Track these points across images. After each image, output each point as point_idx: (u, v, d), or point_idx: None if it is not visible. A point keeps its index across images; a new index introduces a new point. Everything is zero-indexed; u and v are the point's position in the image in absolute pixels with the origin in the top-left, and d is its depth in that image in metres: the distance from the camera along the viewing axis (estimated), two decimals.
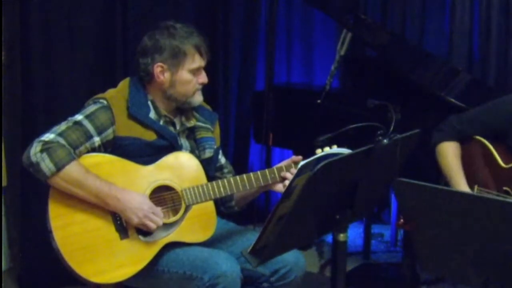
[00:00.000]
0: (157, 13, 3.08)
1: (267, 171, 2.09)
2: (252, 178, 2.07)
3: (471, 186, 2.33)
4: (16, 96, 2.82)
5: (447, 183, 2.35)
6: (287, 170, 2.10)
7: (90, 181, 1.92)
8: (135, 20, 3.00)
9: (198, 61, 2.08)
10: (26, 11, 2.72)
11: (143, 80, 2.11)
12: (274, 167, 2.11)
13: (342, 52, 3.09)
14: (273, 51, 3.20)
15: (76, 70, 2.89)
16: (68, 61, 2.86)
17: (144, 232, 1.99)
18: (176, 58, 2.05)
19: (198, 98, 2.13)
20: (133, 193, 1.97)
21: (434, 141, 2.42)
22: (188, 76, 2.07)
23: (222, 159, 2.28)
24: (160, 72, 2.07)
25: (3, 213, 2.94)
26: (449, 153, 2.37)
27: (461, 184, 2.31)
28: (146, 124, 2.06)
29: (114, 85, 2.15)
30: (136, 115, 2.04)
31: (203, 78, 2.11)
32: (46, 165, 1.89)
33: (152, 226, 1.96)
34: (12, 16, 2.76)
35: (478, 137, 2.37)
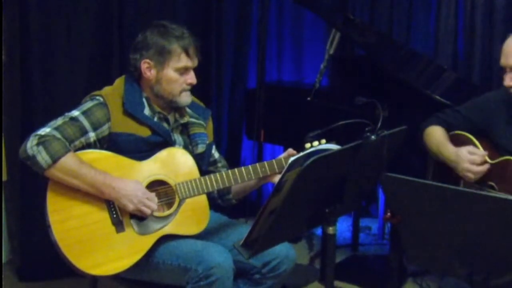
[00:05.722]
0: (152, 13, 3.10)
1: (258, 165, 2.10)
2: (244, 172, 2.09)
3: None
4: (16, 93, 2.84)
5: (435, 176, 2.39)
6: (286, 162, 2.09)
7: (85, 171, 1.94)
8: (130, 20, 3.02)
9: (184, 61, 2.09)
10: (26, 11, 2.73)
11: (135, 76, 2.14)
12: (269, 161, 2.12)
13: (331, 51, 3.10)
14: (265, 50, 3.19)
15: (74, 69, 2.91)
16: (66, 60, 2.88)
17: (139, 223, 2.01)
18: (162, 56, 2.07)
19: (186, 99, 2.13)
20: (127, 181, 1.99)
21: (421, 130, 2.44)
22: (173, 74, 2.09)
23: (216, 154, 2.31)
24: (147, 68, 2.09)
25: (3, 207, 2.96)
26: (436, 132, 2.40)
27: (448, 148, 2.32)
28: (141, 120, 2.08)
29: (110, 83, 2.17)
30: (131, 111, 2.07)
31: (191, 78, 2.12)
32: (43, 157, 1.92)
33: (147, 211, 1.98)
34: (12, 16, 2.77)
35: (464, 133, 2.39)
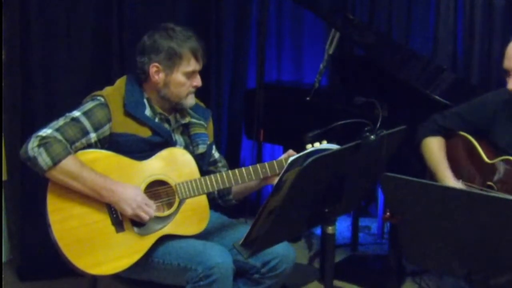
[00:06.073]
0: (152, 14, 3.11)
1: (258, 166, 2.11)
2: (244, 172, 2.10)
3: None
4: (16, 92, 2.85)
5: (432, 177, 2.37)
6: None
7: (85, 174, 1.95)
8: (130, 19, 3.03)
9: (193, 65, 2.11)
10: (26, 11, 2.74)
11: (140, 78, 2.14)
12: (270, 162, 2.12)
13: (331, 51, 3.11)
14: (264, 50, 3.20)
15: (74, 68, 2.92)
16: (66, 60, 2.90)
17: (139, 224, 2.02)
18: (172, 60, 2.08)
19: (190, 101, 2.15)
20: (126, 185, 2.00)
21: (419, 137, 2.44)
22: (182, 78, 2.10)
23: (216, 154, 2.31)
24: (155, 72, 2.10)
25: (3, 206, 2.96)
26: (434, 147, 2.39)
27: (446, 175, 2.31)
28: (141, 121, 2.09)
29: (110, 83, 2.18)
30: (132, 112, 2.07)
31: (197, 81, 2.14)
32: (43, 159, 1.93)
33: (145, 217, 1.99)
34: (12, 16, 2.78)
35: (462, 133, 2.39)
